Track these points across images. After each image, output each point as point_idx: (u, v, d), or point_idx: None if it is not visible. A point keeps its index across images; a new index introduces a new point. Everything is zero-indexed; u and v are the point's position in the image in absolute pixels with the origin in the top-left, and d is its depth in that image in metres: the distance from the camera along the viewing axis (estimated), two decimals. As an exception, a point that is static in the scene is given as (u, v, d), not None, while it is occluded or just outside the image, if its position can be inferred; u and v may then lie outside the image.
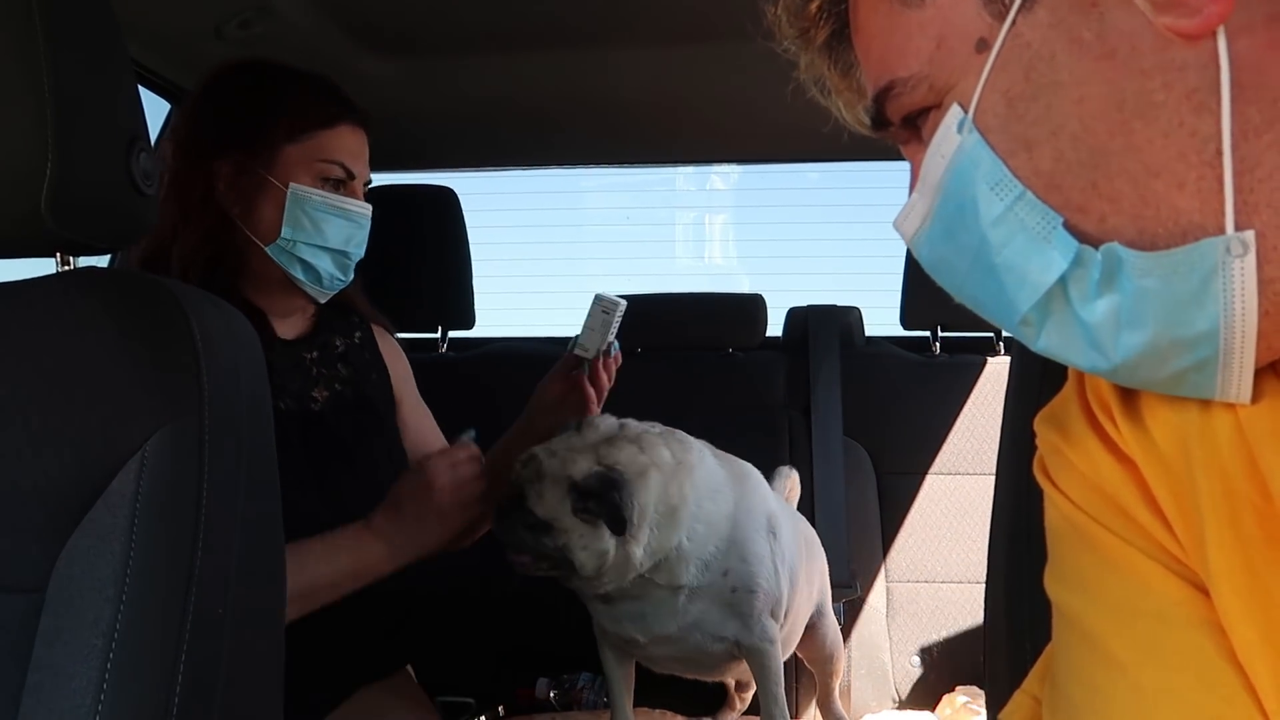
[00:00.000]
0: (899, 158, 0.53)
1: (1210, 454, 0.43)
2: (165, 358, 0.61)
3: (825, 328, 1.90)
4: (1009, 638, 0.76)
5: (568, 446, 1.15)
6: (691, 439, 1.25)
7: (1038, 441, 0.52)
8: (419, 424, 1.40)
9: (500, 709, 1.50)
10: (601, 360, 1.29)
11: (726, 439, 1.78)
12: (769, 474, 1.49)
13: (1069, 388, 0.52)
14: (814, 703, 1.61)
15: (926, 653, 1.68)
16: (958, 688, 1.60)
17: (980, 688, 1.52)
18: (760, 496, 1.27)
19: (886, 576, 1.73)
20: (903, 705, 1.67)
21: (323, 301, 1.23)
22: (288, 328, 1.25)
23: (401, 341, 2.04)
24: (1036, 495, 0.52)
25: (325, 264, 1.18)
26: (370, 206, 1.23)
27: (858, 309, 1.99)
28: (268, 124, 1.15)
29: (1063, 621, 0.48)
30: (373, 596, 1.24)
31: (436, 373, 1.96)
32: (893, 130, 0.50)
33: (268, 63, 1.21)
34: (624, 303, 1.29)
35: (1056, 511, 0.50)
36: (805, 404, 1.83)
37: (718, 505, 1.18)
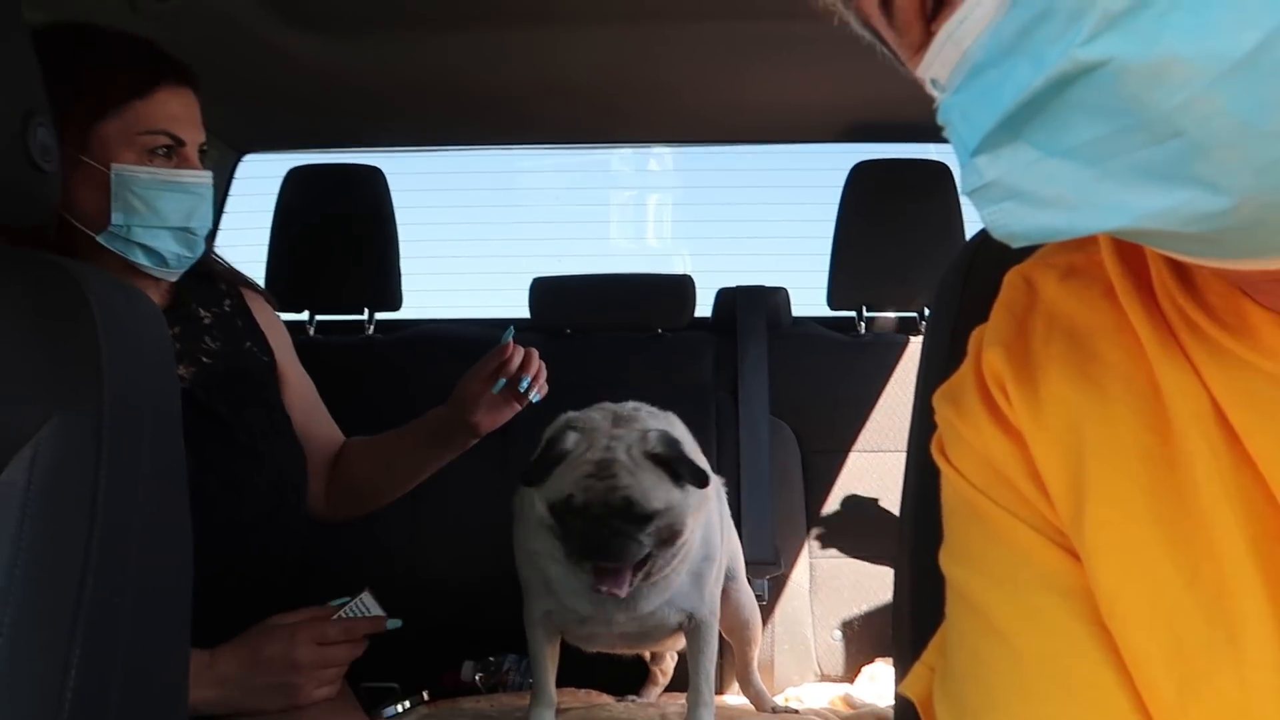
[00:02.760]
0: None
1: (1106, 439, 0.44)
2: (62, 341, 0.59)
3: (753, 308, 1.92)
4: (913, 612, 0.79)
5: (607, 437, 1.13)
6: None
7: (936, 419, 0.54)
8: (303, 398, 1.35)
9: (424, 693, 1.49)
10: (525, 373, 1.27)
11: (654, 419, 1.81)
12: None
13: (967, 365, 0.52)
14: (734, 678, 1.64)
15: (848, 626, 1.73)
16: (877, 660, 1.65)
17: (899, 659, 1.57)
18: (705, 464, 1.29)
19: (810, 552, 1.77)
20: (824, 678, 1.72)
21: (172, 280, 1.16)
22: None
23: (328, 324, 2.03)
24: (939, 473, 0.54)
25: (168, 244, 1.09)
26: (210, 174, 1.13)
27: (785, 290, 2.01)
28: (72, 102, 1.01)
29: (953, 594, 0.50)
30: (286, 576, 1.24)
31: (363, 355, 1.94)
32: None
33: (69, 28, 1.07)
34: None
35: (951, 488, 0.51)
36: (732, 384, 1.85)
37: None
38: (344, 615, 1.14)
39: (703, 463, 1.19)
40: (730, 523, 1.44)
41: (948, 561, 0.51)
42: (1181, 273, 0.45)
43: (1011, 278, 0.53)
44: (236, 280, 1.32)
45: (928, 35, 0.39)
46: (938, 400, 0.53)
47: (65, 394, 0.58)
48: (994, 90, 0.35)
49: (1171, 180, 0.32)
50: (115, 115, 1.06)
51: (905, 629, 0.82)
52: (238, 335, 1.26)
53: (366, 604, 1.16)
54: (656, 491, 1.08)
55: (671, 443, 1.11)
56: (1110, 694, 0.42)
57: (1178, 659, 0.40)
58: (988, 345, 0.50)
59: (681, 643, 1.32)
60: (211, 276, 1.27)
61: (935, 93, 0.40)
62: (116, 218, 1.06)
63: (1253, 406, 0.41)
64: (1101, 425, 0.44)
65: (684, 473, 1.09)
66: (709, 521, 1.23)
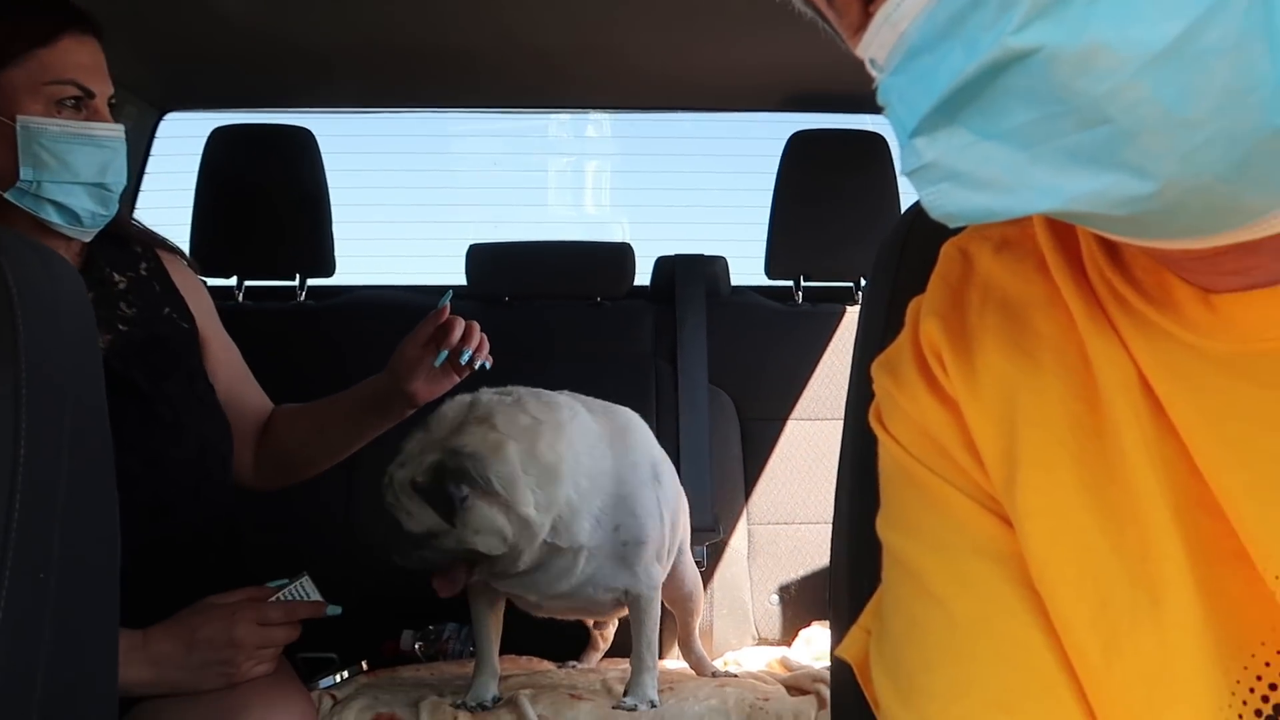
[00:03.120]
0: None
1: (1037, 408, 0.45)
2: None
3: (692, 277, 1.93)
4: (850, 577, 0.80)
5: (417, 450, 1.16)
6: (560, 397, 1.25)
7: (874, 387, 0.54)
8: (228, 364, 1.31)
9: (363, 663, 1.48)
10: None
11: (594, 388, 1.79)
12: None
13: (904, 335, 0.53)
14: (675, 645, 1.66)
15: (785, 591, 1.76)
16: (814, 623, 1.68)
17: (834, 621, 1.60)
18: (644, 446, 1.29)
19: (748, 519, 1.79)
20: (762, 641, 1.75)
21: (86, 240, 1.11)
22: None
23: (259, 289, 1.98)
24: (876, 441, 0.55)
25: (81, 201, 1.05)
26: (122, 128, 1.09)
27: (724, 258, 2.02)
28: None
29: (889, 559, 0.51)
30: (215, 551, 1.21)
31: (295, 321, 1.89)
32: None
33: None
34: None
35: (888, 456, 0.52)
36: (671, 352, 1.86)
37: (597, 461, 1.20)
38: (282, 598, 1.13)
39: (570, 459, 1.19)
40: (681, 501, 1.45)
41: (884, 528, 0.52)
42: (1110, 248, 0.46)
43: (948, 249, 0.53)
44: (153, 242, 1.27)
45: (866, 16, 0.40)
46: (876, 370, 0.54)
47: (-21, 363, 0.55)
48: (930, 74, 0.36)
49: (1100, 164, 0.33)
50: (18, 64, 1.01)
51: (842, 592, 0.83)
52: (155, 300, 1.21)
53: (306, 588, 1.15)
54: (419, 518, 1.12)
55: (443, 473, 1.11)
56: (1039, 654, 0.43)
57: (1103, 619, 0.42)
58: (925, 316, 0.51)
59: (625, 610, 1.33)
60: (126, 239, 1.22)
61: (874, 73, 0.41)
62: (25, 173, 1.02)
63: (1175, 377, 0.42)
64: (1033, 395, 0.45)
65: (438, 505, 1.11)
66: (642, 507, 1.22)
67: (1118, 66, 0.31)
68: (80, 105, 1.05)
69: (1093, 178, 0.33)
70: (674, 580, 1.48)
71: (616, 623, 1.60)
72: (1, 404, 0.55)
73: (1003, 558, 0.45)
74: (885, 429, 0.53)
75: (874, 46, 0.39)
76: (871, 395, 0.55)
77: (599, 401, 1.33)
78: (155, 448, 1.12)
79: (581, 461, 1.18)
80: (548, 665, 1.54)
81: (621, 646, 1.52)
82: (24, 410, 0.56)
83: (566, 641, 1.61)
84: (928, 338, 0.50)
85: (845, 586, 0.82)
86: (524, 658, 1.57)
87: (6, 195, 1.02)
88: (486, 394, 1.22)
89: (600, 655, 1.61)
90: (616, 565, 1.23)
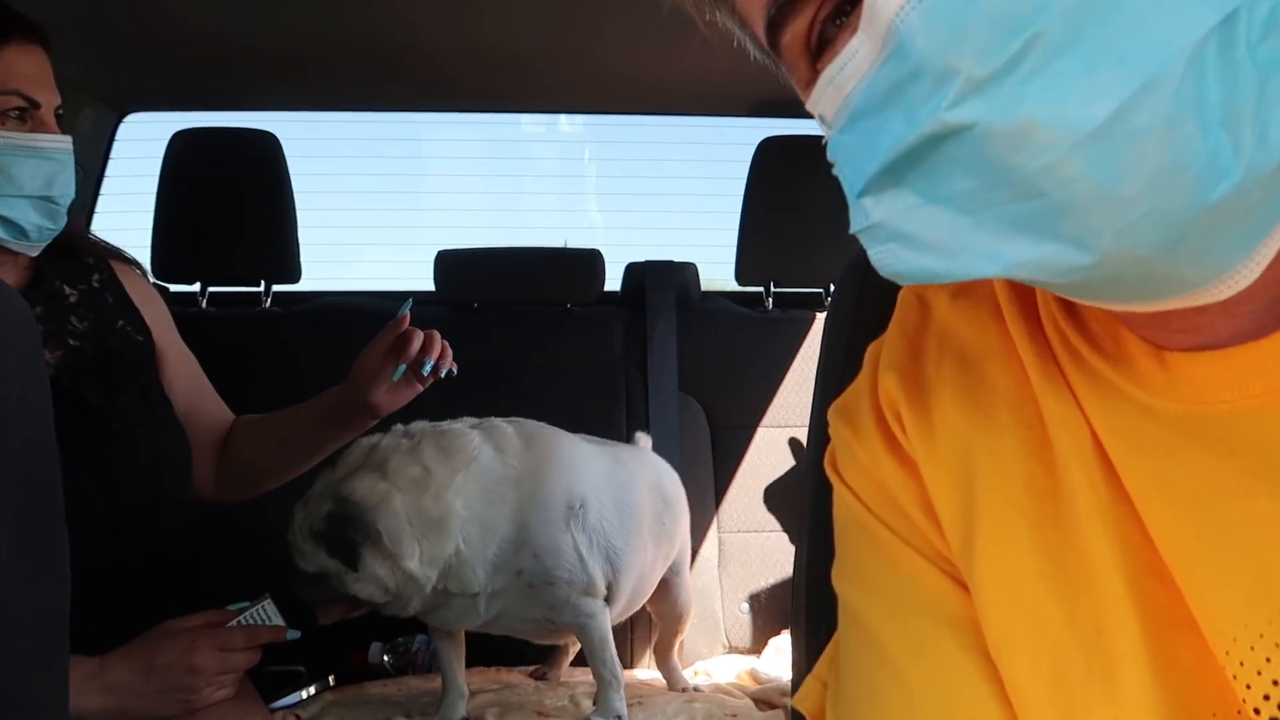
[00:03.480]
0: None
1: (994, 470, 0.44)
2: None
3: (662, 283, 1.92)
4: (809, 588, 0.80)
5: (319, 490, 1.17)
6: (470, 437, 1.22)
7: (830, 432, 0.53)
8: (186, 376, 1.28)
9: (330, 679, 1.45)
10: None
11: (563, 395, 1.79)
12: (609, 433, 1.50)
13: (863, 381, 0.52)
14: (649, 651, 1.65)
15: (755, 599, 1.75)
16: (784, 631, 1.68)
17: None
18: (563, 480, 1.23)
19: (719, 527, 1.78)
20: (733, 649, 1.74)
21: (33, 255, 1.09)
22: None
23: (222, 295, 1.94)
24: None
25: (27, 215, 1.03)
26: (70, 139, 1.07)
27: (694, 265, 2.01)
28: None
29: (846, 616, 0.50)
30: (172, 571, 1.18)
31: (260, 328, 1.86)
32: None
33: None
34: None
35: (844, 506, 0.51)
36: (642, 359, 1.85)
37: (494, 507, 1.17)
38: (243, 621, 1.10)
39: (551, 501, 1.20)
40: (677, 520, 1.44)
41: (841, 582, 0.51)
42: (1065, 300, 0.45)
43: (905, 295, 0.53)
44: (106, 253, 1.23)
45: (814, 73, 0.40)
46: (832, 416, 0.53)
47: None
48: (873, 138, 0.36)
49: (1040, 234, 0.33)
50: None
51: (803, 604, 0.82)
52: (108, 313, 1.18)
53: (268, 611, 1.13)
54: (311, 558, 1.14)
55: (339, 521, 1.12)
56: None
57: (1059, 694, 0.41)
58: (883, 369, 0.50)
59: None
60: (77, 250, 1.19)
61: (823, 129, 0.41)
62: None
63: (1128, 440, 0.41)
64: (990, 456, 0.45)
65: (333, 550, 1.12)
66: (547, 548, 1.19)
67: (1051, 144, 0.31)
68: (25, 116, 1.03)
69: (1033, 246, 0.34)
70: (667, 598, 1.47)
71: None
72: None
73: (958, 623, 0.45)
74: (840, 478, 0.51)
75: (821, 104, 0.40)
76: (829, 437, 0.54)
77: (532, 428, 1.28)
78: (108, 464, 1.09)
79: (474, 509, 1.16)
80: (517, 677, 1.52)
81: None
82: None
83: (535, 647, 1.59)
84: (886, 394, 0.49)
85: (806, 602, 0.81)
86: (492, 669, 1.55)
87: None
88: (390, 437, 1.21)
89: (569, 659, 1.58)
90: (528, 603, 1.21)
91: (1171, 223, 0.31)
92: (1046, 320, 0.46)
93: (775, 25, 0.41)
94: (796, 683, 0.84)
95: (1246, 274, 0.33)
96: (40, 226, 1.05)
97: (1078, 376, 0.44)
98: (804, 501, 0.85)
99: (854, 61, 0.37)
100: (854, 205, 0.39)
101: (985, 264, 0.35)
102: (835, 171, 0.40)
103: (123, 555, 1.10)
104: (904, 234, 0.37)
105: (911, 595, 0.46)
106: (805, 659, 0.79)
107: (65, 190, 1.06)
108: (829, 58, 0.39)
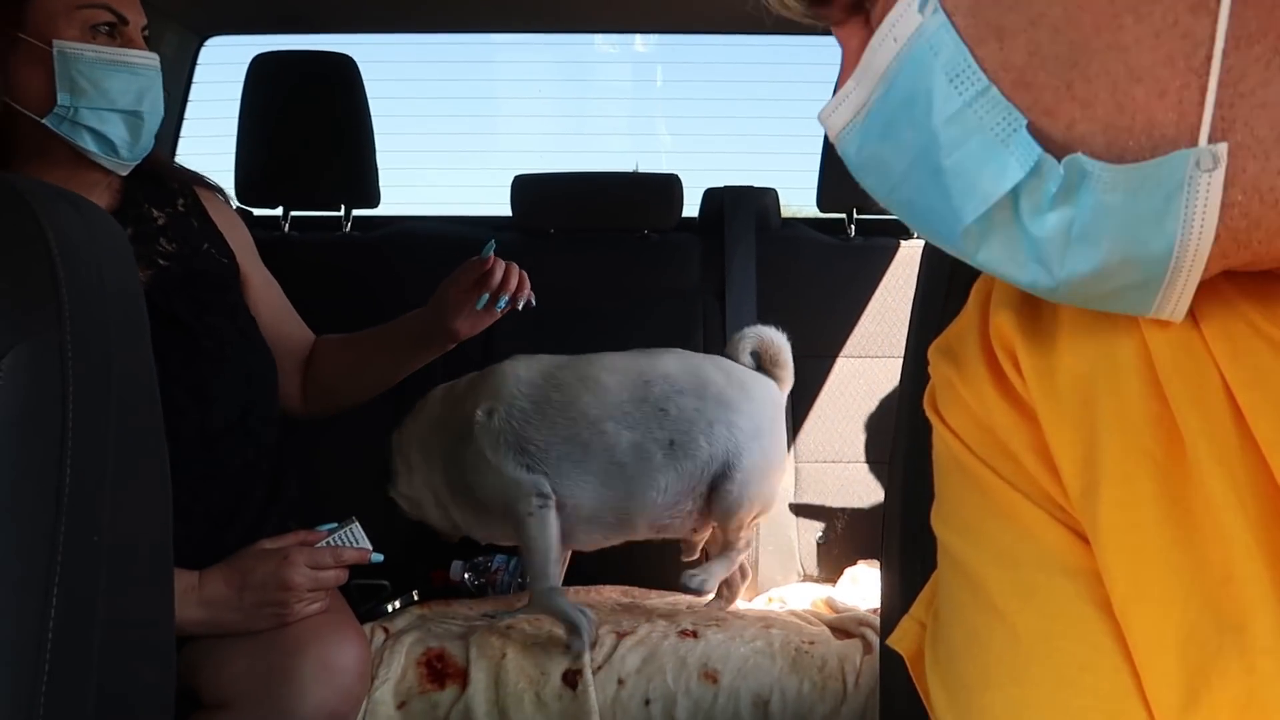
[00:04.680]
0: (826, 33, 0.48)
1: (1117, 409, 0.42)
2: (15, 266, 0.55)
3: (741, 209, 1.87)
4: (903, 515, 0.78)
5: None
6: None
7: (930, 371, 0.51)
8: (269, 299, 1.32)
9: (414, 593, 1.50)
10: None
11: (640, 323, 1.78)
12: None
13: (968, 318, 0.50)
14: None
15: (831, 529, 1.75)
16: (860, 562, 1.67)
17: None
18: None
19: (796, 457, 1.77)
20: (807, 578, 1.74)
21: (123, 174, 1.12)
22: None
23: (304, 219, 1.97)
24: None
25: (117, 129, 1.05)
26: (157, 56, 1.09)
27: (774, 190, 1.96)
28: None
29: (947, 560, 0.48)
30: (261, 482, 1.23)
31: (341, 252, 1.88)
32: (832, 8, 0.44)
33: None
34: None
35: (945, 448, 0.49)
36: (720, 287, 1.82)
37: None
38: (332, 542, 1.15)
39: None
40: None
41: (941, 526, 0.49)
42: None
43: None
44: (189, 179, 1.27)
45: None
46: (934, 353, 0.51)
47: (25, 323, 0.54)
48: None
49: (1036, 262, 0.39)
50: None
51: (893, 537, 0.81)
52: (194, 237, 1.21)
53: (355, 533, 1.17)
54: None
55: None
56: (1108, 679, 0.41)
57: (1191, 645, 0.39)
58: (996, 307, 0.48)
59: None
60: (162, 176, 1.22)
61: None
62: (62, 98, 1.02)
63: (1260, 383, 0.39)
64: (1113, 398, 0.42)
65: None
66: None
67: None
68: (114, 32, 1.05)
69: (1036, 271, 0.40)
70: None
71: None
72: (49, 368, 0.54)
73: (1073, 573, 0.42)
74: (942, 419, 0.49)
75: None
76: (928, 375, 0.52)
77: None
78: (201, 379, 1.14)
79: None
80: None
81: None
82: (71, 370, 0.55)
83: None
84: (999, 333, 0.47)
85: (898, 532, 0.80)
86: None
87: (44, 120, 1.02)
88: None
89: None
90: None
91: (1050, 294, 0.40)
92: None
93: None
94: (887, 621, 0.84)
95: (1173, 314, 0.39)
96: (129, 143, 1.08)
97: (1205, 308, 0.41)
98: (897, 438, 0.84)
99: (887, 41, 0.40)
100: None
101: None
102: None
103: (216, 465, 1.15)
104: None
105: (1021, 542, 0.44)
106: (898, 596, 0.78)
107: (154, 107, 1.09)
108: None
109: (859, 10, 0.43)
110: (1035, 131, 0.37)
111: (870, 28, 0.42)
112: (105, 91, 1.03)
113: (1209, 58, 0.34)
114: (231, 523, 1.16)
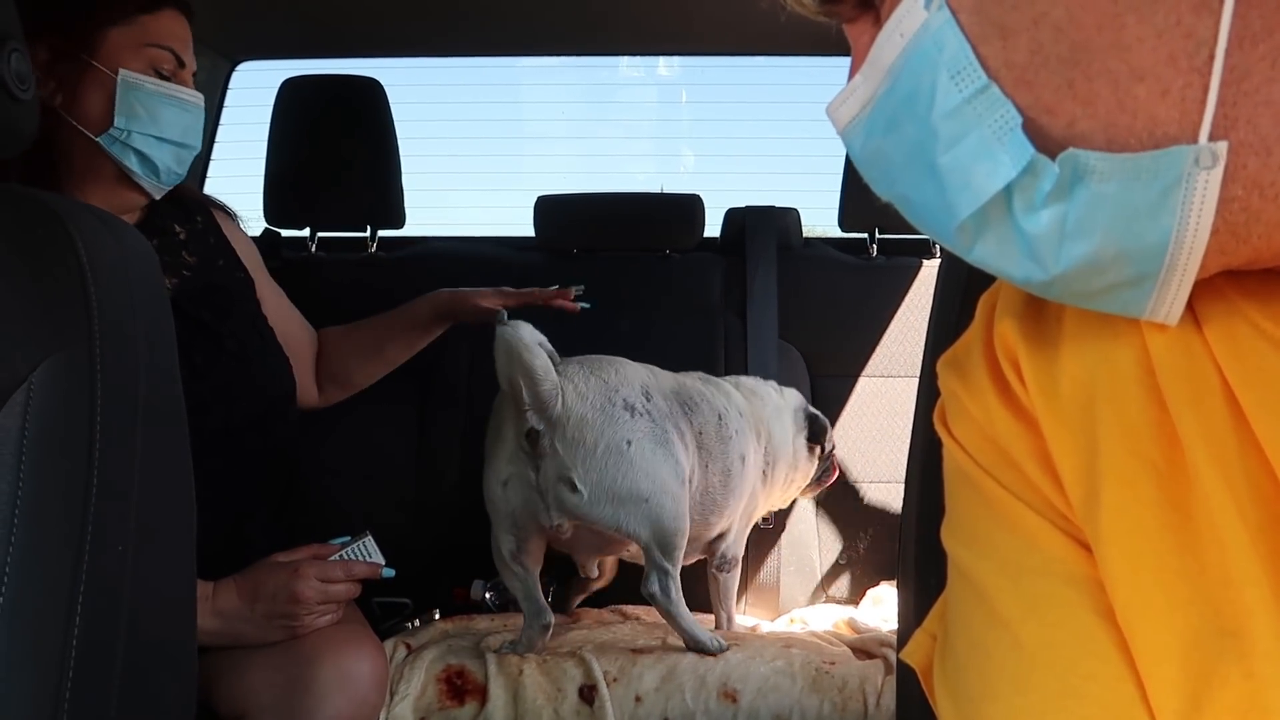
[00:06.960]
0: (845, 52, 0.48)
1: (1117, 415, 0.42)
2: (48, 282, 0.56)
3: (763, 229, 1.88)
4: (920, 536, 0.78)
5: None
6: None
7: (939, 385, 0.51)
8: (278, 307, 1.41)
9: (435, 612, 1.50)
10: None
11: (662, 342, 1.78)
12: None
13: (975, 330, 0.50)
14: (745, 597, 1.65)
15: (852, 550, 1.73)
16: (882, 582, 1.66)
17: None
18: None
19: (817, 476, 1.76)
20: (830, 599, 1.73)
21: (158, 197, 1.20)
22: None
23: (330, 240, 1.99)
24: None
25: (164, 156, 1.15)
26: (203, 96, 1.20)
27: (796, 210, 1.97)
28: (87, 4, 1.10)
29: (955, 572, 0.48)
30: (277, 485, 1.28)
31: (367, 272, 1.91)
32: (844, 5, 0.45)
33: None
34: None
35: (953, 462, 0.49)
36: (741, 307, 1.82)
37: None
38: (344, 556, 1.16)
39: None
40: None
41: (950, 539, 0.49)
42: None
43: None
44: (205, 202, 1.37)
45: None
46: (942, 368, 0.51)
47: (56, 337, 0.55)
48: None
49: (1029, 258, 0.39)
50: (125, 24, 1.12)
51: (909, 558, 0.81)
52: (211, 252, 1.30)
53: (368, 547, 1.19)
54: None
55: None
56: (1112, 687, 0.40)
57: (1194, 650, 0.38)
58: (1000, 316, 0.48)
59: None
60: (181, 198, 1.31)
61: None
62: (119, 120, 1.11)
63: (1259, 384, 0.39)
64: (1113, 403, 0.42)
65: None
66: None
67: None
68: (172, 74, 1.15)
69: (1030, 267, 0.40)
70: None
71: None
72: (80, 376, 0.55)
73: (1076, 581, 0.42)
74: (950, 433, 0.49)
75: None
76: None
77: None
78: (224, 378, 1.20)
79: None
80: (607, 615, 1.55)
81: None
82: (101, 381, 0.56)
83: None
84: (1003, 342, 0.47)
85: (913, 552, 0.79)
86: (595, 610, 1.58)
87: (99, 139, 1.11)
88: None
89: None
90: None
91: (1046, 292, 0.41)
92: None
93: None
94: (903, 636, 0.83)
95: (1169, 316, 0.39)
96: (170, 170, 1.17)
97: (1206, 310, 0.41)
98: (912, 455, 0.83)
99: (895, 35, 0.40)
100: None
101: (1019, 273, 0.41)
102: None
103: (235, 462, 1.21)
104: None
105: (1024, 552, 0.44)
106: (912, 613, 0.78)
107: (196, 140, 1.18)
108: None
109: (869, 7, 0.43)
110: (1035, 129, 0.37)
111: (880, 25, 0.42)
112: (157, 120, 1.12)
113: (1211, 57, 0.34)
114: (252, 513, 1.23)
